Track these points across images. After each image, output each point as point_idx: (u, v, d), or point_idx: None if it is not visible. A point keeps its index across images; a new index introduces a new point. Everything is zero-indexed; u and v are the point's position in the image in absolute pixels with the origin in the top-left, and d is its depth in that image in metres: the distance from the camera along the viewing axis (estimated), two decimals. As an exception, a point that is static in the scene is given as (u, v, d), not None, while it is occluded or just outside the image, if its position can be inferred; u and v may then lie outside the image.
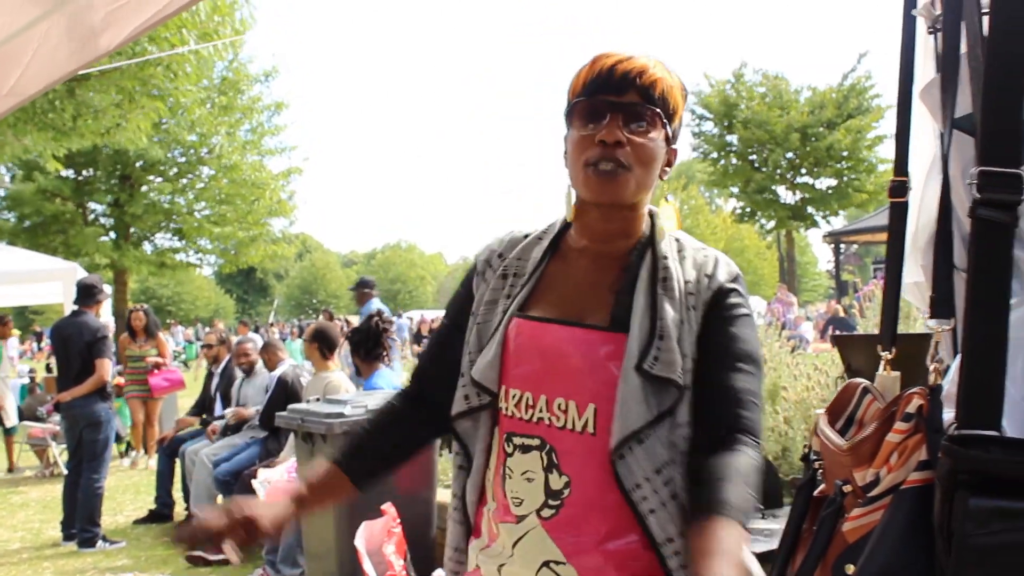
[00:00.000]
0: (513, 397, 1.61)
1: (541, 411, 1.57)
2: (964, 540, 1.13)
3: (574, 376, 1.55)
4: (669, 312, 1.53)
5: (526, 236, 1.77)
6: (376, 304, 9.42)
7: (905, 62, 1.57)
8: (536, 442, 1.57)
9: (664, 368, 1.49)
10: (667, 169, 1.65)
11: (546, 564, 1.54)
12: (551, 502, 1.54)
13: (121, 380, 11.01)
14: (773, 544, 3.52)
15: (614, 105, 1.55)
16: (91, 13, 2.62)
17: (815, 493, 1.50)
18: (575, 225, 1.70)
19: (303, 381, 7.25)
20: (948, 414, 1.25)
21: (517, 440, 1.60)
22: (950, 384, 1.30)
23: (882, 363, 1.57)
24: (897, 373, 1.56)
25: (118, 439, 10.66)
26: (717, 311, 1.57)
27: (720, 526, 1.35)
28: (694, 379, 1.53)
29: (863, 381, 1.54)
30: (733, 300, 1.58)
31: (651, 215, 1.67)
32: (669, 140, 1.61)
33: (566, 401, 1.55)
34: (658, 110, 1.56)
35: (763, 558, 3.39)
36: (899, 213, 1.58)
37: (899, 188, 1.57)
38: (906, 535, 1.20)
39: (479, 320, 1.68)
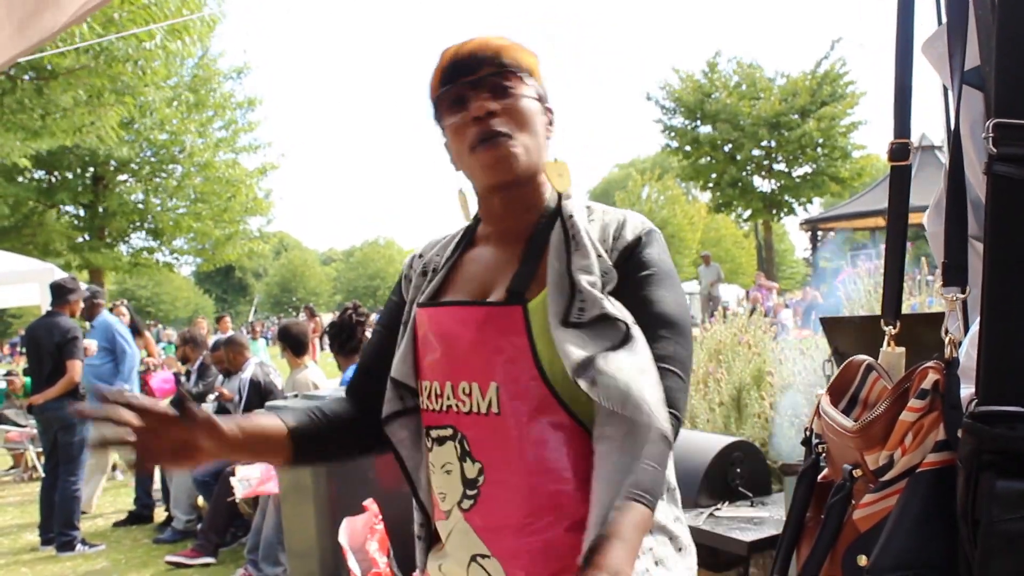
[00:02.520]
0: (426, 389, 1.59)
1: (449, 399, 1.53)
2: (991, 526, 1.04)
3: (472, 357, 1.51)
4: (584, 269, 1.47)
5: (445, 236, 1.77)
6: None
7: (903, 12, 1.47)
8: (448, 432, 1.54)
9: (591, 312, 1.42)
10: (550, 128, 1.63)
11: (474, 559, 1.50)
12: (468, 492, 1.51)
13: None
14: (763, 532, 3.46)
15: (473, 83, 1.55)
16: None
17: (819, 478, 1.40)
18: (481, 210, 1.67)
19: (274, 378, 7.19)
20: (966, 390, 1.15)
21: (434, 433, 1.57)
22: (966, 357, 1.21)
23: (886, 338, 1.48)
24: (902, 349, 1.47)
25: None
26: (627, 273, 1.51)
27: (622, 512, 1.25)
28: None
29: (866, 358, 1.45)
30: (643, 258, 1.52)
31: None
32: (541, 97, 1.60)
33: (469, 384, 1.50)
34: (515, 71, 1.56)
35: (754, 547, 3.31)
36: (901, 178, 1.49)
37: (900, 151, 1.48)
38: (924, 522, 1.11)
39: (403, 320, 1.66)
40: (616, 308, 1.43)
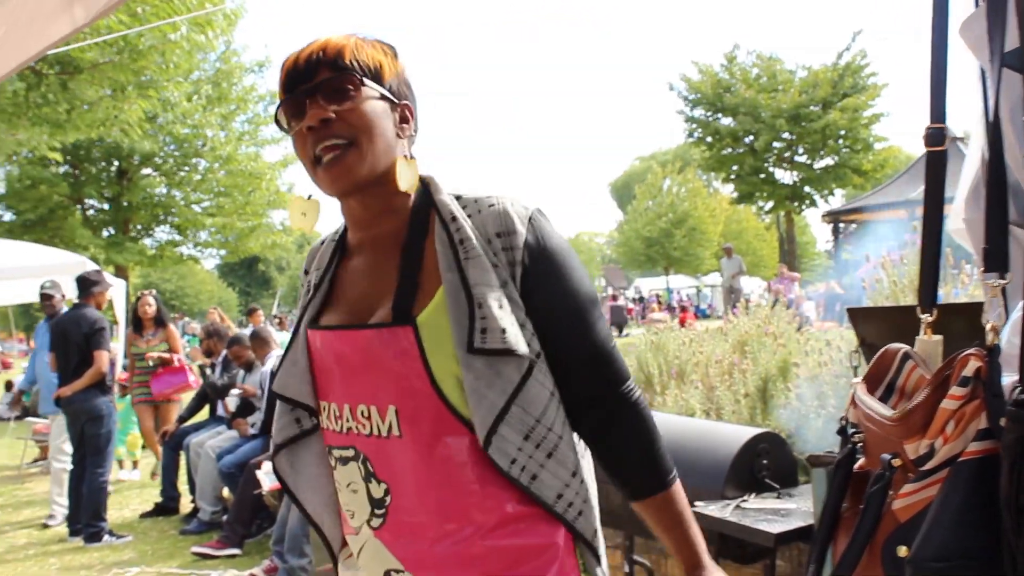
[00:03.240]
0: (324, 409, 1.58)
1: (348, 420, 1.52)
2: (1036, 515, 1.02)
3: (366, 380, 1.48)
4: (479, 278, 1.43)
5: (322, 243, 1.72)
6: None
7: (940, -5, 1.45)
8: (351, 452, 1.53)
9: (494, 338, 1.39)
10: (405, 126, 1.56)
11: (387, 573, 1.52)
12: (376, 511, 1.51)
13: (123, 376, 10.14)
14: (790, 524, 3.43)
15: (308, 91, 1.48)
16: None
17: (854, 468, 1.39)
18: (345, 219, 1.63)
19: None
20: (1008, 377, 1.13)
21: (336, 452, 1.56)
22: (1008, 344, 1.19)
23: (922, 326, 1.46)
24: (939, 337, 1.45)
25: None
26: (534, 269, 1.47)
27: (669, 502, 1.51)
28: (555, 337, 1.48)
29: (903, 346, 1.42)
30: (541, 247, 1.48)
31: (423, 181, 1.57)
32: (392, 97, 1.53)
33: (367, 407, 1.48)
34: (354, 73, 1.48)
35: (780, 539, 3.29)
36: (937, 163, 1.46)
37: (937, 135, 1.45)
38: (967, 512, 1.09)
39: (294, 332, 1.63)
40: (515, 334, 1.41)
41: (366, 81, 1.49)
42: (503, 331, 1.39)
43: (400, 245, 1.53)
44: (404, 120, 1.56)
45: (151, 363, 9.03)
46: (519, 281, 1.46)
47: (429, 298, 1.45)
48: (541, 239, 1.49)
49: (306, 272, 1.71)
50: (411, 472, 1.45)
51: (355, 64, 1.49)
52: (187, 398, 8.83)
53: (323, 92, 1.47)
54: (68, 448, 7.74)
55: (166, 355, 9.02)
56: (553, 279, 1.48)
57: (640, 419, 1.52)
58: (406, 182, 1.52)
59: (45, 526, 7.84)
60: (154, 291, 9.59)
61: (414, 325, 1.43)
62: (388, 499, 1.48)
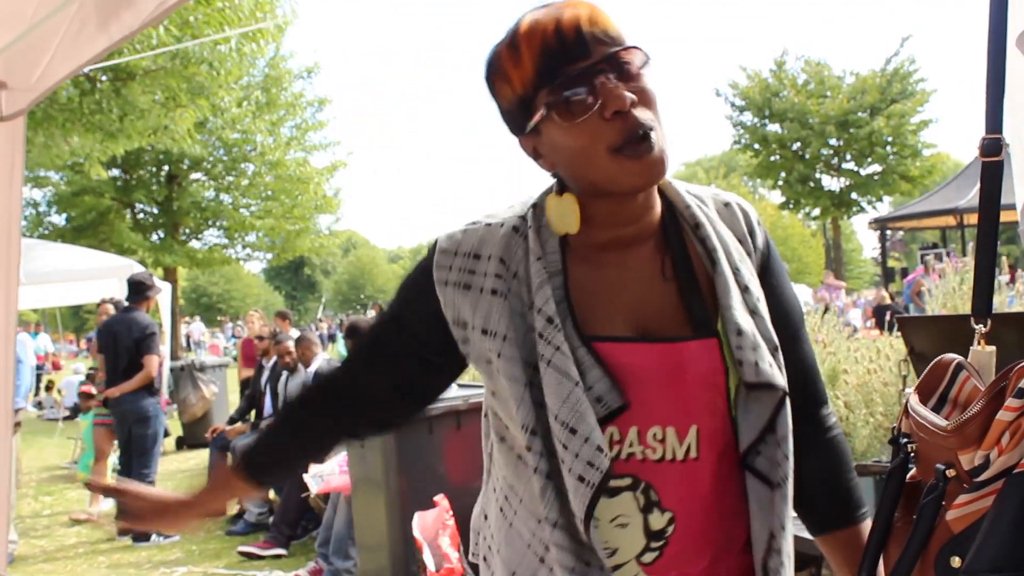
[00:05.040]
0: None
1: (631, 446, 1.33)
2: (1093, 529, 1.01)
3: (668, 399, 1.33)
4: (731, 302, 1.34)
5: (514, 229, 1.41)
6: None
7: (997, 4, 1.44)
8: (627, 482, 1.34)
9: (750, 372, 1.32)
10: None
11: None
12: (653, 544, 1.35)
13: (87, 387, 9.70)
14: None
15: (594, 69, 1.25)
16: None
17: (907, 478, 1.38)
18: (589, 214, 1.36)
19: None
20: (1065, 389, 1.12)
21: None
22: (1065, 356, 1.18)
23: (976, 337, 1.45)
24: (993, 348, 1.44)
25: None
26: (769, 272, 1.44)
27: (856, 538, 1.47)
28: (785, 344, 1.42)
29: (956, 357, 1.41)
30: (775, 253, 1.47)
31: None
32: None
33: (663, 429, 1.33)
34: (634, 47, 1.28)
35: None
36: (993, 174, 1.45)
37: (993, 146, 1.44)
38: (1021, 523, 1.08)
39: (559, 337, 1.31)
40: (772, 370, 1.33)
41: (646, 55, 1.30)
42: (757, 364, 1.32)
43: (660, 248, 1.39)
44: None
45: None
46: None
47: (715, 309, 1.35)
48: (770, 242, 1.47)
49: (497, 260, 1.38)
50: (703, 498, 1.35)
51: (622, 36, 1.30)
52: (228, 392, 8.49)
53: (611, 69, 1.26)
54: None
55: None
56: (781, 289, 1.46)
57: (834, 445, 1.50)
58: (566, 227, 1.37)
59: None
60: (114, 297, 8.87)
61: (718, 336, 1.34)
62: (671, 529, 1.35)
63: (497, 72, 1.33)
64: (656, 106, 1.29)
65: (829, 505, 1.49)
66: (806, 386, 1.48)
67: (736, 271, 1.37)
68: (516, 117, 1.35)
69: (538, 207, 1.43)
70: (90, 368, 16.45)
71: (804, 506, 1.49)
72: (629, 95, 1.24)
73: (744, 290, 1.37)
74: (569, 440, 1.27)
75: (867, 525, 1.44)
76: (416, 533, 4.31)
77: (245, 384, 10.71)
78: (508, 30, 1.32)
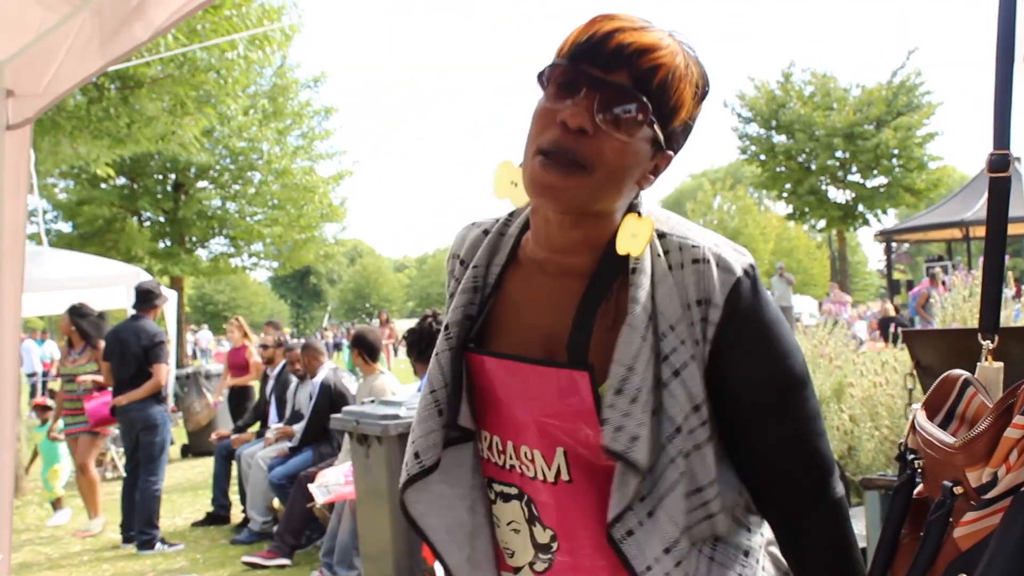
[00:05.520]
0: (486, 439, 1.43)
1: (511, 458, 1.38)
2: (1101, 547, 1.01)
3: (533, 422, 1.34)
4: (625, 356, 1.26)
5: (485, 232, 1.49)
6: None
7: (1005, 21, 1.44)
8: (514, 491, 1.39)
9: (618, 440, 1.23)
10: (650, 177, 1.33)
11: None
12: (541, 556, 1.39)
13: (41, 399, 9.36)
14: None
15: (594, 81, 1.23)
16: (120, 6, 2.58)
17: (914, 494, 1.38)
18: (532, 225, 1.40)
19: (347, 384, 7.28)
20: (1073, 406, 1.12)
21: (497, 487, 1.42)
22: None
23: (984, 353, 1.44)
24: (1000, 364, 1.43)
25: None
26: (726, 348, 1.29)
27: None
28: (739, 427, 1.34)
29: (963, 373, 1.41)
30: (743, 325, 1.29)
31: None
32: (658, 143, 1.29)
33: (531, 450, 1.35)
34: (647, 103, 1.23)
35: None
36: (1000, 189, 1.45)
37: (1001, 162, 1.44)
38: (1030, 542, 1.07)
39: (447, 343, 1.40)
40: (639, 444, 1.24)
41: (652, 121, 1.26)
42: (624, 431, 1.24)
43: (584, 284, 1.35)
44: (655, 170, 1.34)
45: (80, 388, 8.02)
46: (706, 359, 1.29)
47: (604, 354, 1.28)
48: (741, 315, 1.29)
49: (458, 259, 1.51)
50: (582, 519, 1.33)
51: (661, 94, 1.25)
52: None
53: (606, 95, 1.23)
54: None
55: (99, 378, 7.95)
56: (746, 361, 1.31)
57: (834, 526, 1.38)
58: (634, 245, 1.30)
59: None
60: (82, 303, 8.50)
61: (591, 371, 1.28)
62: (555, 545, 1.36)
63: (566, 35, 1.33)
64: (609, 161, 1.24)
65: None
66: (792, 470, 1.36)
67: (661, 336, 1.28)
68: (538, 78, 1.33)
69: (513, 214, 1.49)
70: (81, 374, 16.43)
71: None
72: (588, 122, 1.22)
73: (660, 357, 1.28)
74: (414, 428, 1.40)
75: None
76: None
77: (233, 393, 10.71)
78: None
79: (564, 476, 1.33)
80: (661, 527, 1.26)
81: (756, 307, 1.31)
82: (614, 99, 1.23)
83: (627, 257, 1.31)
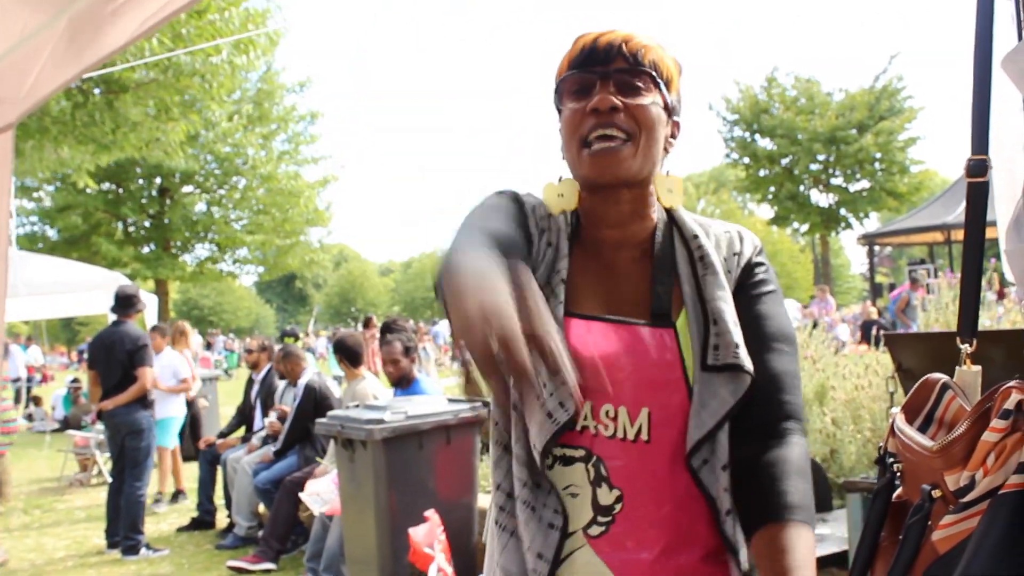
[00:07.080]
0: None
1: (586, 419, 1.40)
2: (1077, 549, 1.02)
3: (622, 380, 1.40)
4: (717, 294, 1.45)
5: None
6: None
7: (982, 26, 1.45)
8: (580, 453, 1.41)
9: (725, 354, 1.39)
10: (672, 141, 1.54)
11: None
12: (600, 518, 1.40)
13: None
14: (825, 549, 3.41)
15: (602, 74, 1.45)
16: (98, 11, 2.57)
17: (893, 498, 1.39)
18: (583, 215, 1.55)
19: (330, 386, 7.27)
20: (1049, 410, 1.13)
21: (558, 451, 1.42)
22: (1049, 376, 1.19)
23: (962, 356, 1.45)
24: (978, 368, 1.44)
25: None
26: (747, 289, 1.50)
27: (793, 534, 1.29)
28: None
29: (942, 377, 1.42)
30: (761, 276, 1.53)
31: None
32: (668, 108, 1.50)
33: (615, 408, 1.40)
34: (651, 73, 1.46)
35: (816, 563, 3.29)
36: (979, 194, 1.47)
37: (978, 167, 1.45)
38: (1007, 544, 1.08)
39: (558, 304, 1.44)
40: (743, 353, 1.40)
41: (660, 85, 1.48)
42: (734, 351, 1.40)
43: (648, 252, 1.52)
44: (672, 135, 1.54)
45: None
46: (732, 297, 1.48)
47: (679, 308, 1.46)
48: (760, 268, 1.53)
49: (543, 215, 1.55)
50: (654, 482, 1.40)
51: (654, 68, 1.47)
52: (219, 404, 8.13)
53: (617, 80, 1.45)
54: None
55: None
56: (763, 303, 1.49)
57: (802, 454, 1.42)
58: (674, 199, 1.55)
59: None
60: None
61: (675, 328, 1.44)
62: (618, 507, 1.40)
63: (558, 65, 1.55)
64: (645, 124, 1.45)
65: (764, 497, 1.36)
66: (769, 393, 1.43)
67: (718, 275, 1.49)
68: (554, 98, 1.55)
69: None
70: (72, 381, 16.37)
71: (743, 500, 1.40)
72: (614, 100, 1.43)
73: (726, 292, 1.48)
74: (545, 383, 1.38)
75: (798, 531, 1.30)
76: (425, 549, 4.30)
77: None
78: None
79: (644, 436, 1.40)
80: (722, 450, 1.40)
81: (768, 269, 1.55)
82: (626, 78, 1.45)
83: (672, 225, 1.54)
